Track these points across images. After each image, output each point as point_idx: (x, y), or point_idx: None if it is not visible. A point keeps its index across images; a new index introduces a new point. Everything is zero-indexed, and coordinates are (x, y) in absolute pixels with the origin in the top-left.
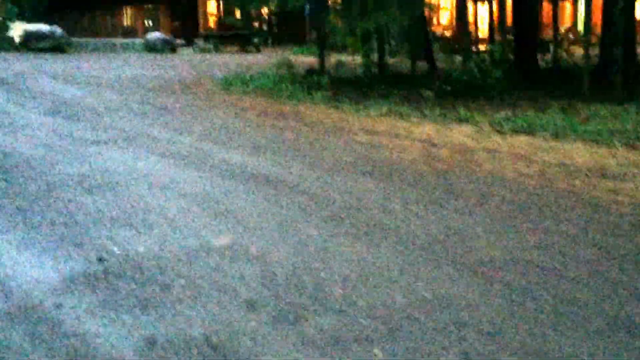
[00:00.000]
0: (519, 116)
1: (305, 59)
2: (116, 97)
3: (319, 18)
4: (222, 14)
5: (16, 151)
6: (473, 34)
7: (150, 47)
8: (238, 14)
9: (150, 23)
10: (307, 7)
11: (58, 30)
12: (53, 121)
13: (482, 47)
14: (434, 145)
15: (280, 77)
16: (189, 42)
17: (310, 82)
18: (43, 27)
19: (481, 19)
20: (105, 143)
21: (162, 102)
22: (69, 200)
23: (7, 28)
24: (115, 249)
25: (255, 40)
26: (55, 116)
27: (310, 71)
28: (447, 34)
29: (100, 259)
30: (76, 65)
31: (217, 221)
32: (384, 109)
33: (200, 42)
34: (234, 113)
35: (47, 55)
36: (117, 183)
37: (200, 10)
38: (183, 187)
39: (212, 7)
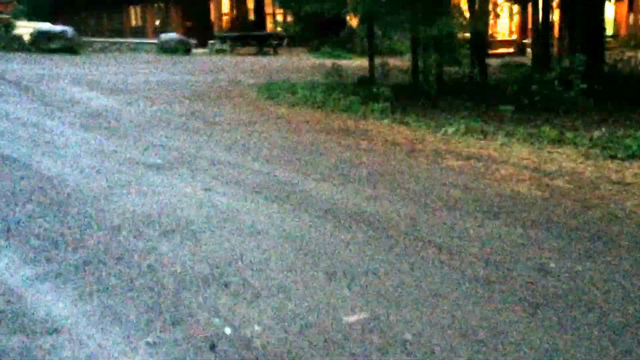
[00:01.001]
0: (619, 135)
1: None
2: (152, 107)
3: (370, 22)
4: (236, 13)
5: (62, 179)
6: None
7: (165, 48)
8: (252, 14)
9: (161, 23)
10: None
11: (69, 30)
12: (93, 138)
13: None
14: (543, 173)
15: (327, 85)
16: (202, 43)
17: (363, 92)
18: (54, 27)
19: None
20: (162, 168)
21: (206, 113)
22: (145, 251)
23: (13, 27)
24: (227, 329)
25: (274, 42)
26: (93, 131)
27: (361, 79)
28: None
29: (212, 347)
30: (94, 68)
31: (335, 284)
32: (461, 126)
33: (214, 43)
34: (293, 129)
35: (60, 57)
36: (193, 225)
37: (213, 10)
38: (274, 230)
39: (225, 6)
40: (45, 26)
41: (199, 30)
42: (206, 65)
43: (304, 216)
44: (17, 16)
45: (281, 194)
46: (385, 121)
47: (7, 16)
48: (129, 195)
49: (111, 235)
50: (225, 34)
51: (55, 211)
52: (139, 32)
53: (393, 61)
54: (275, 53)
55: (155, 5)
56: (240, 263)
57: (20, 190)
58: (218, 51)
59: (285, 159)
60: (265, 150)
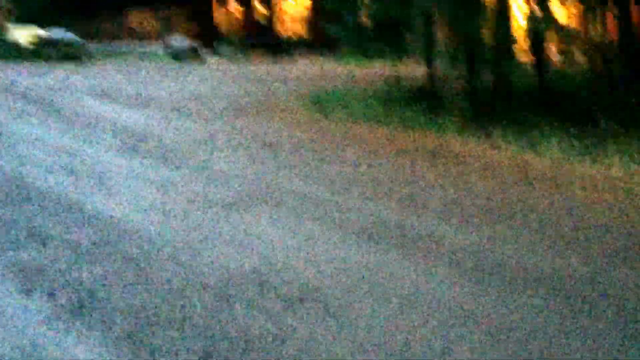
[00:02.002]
0: None
1: (358, 70)
2: (191, 124)
3: (427, 23)
4: (244, 17)
5: (127, 223)
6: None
7: (175, 55)
8: (262, 18)
9: (164, 26)
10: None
11: (72, 36)
12: (140, 165)
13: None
14: None
15: (380, 96)
16: (211, 48)
17: (430, 104)
18: (57, 33)
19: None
20: (240, 205)
21: (259, 132)
22: (278, 335)
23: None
24: None
25: (292, 47)
26: (136, 156)
27: (420, 89)
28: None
29: None
30: (107, 77)
31: None
32: (564, 145)
33: (223, 49)
34: (368, 151)
35: (66, 65)
36: (318, 291)
37: (222, 14)
38: (429, 298)
39: (235, 9)
40: (48, 33)
41: (204, 34)
42: (224, 72)
43: (453, 275)
44: (13, 21)
45: (404, 241)
46: (471, 140)
47: (5, 22)
48: (217, 246)
49: (220, 307)
50: (238, 39)
51: (135, 273)
52: (140, 36)
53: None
54: (294, 59)
55: (160, 8)
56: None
57: (80, 242)
58: (230, 57)
59: (380, 191)
60: (350, 180)
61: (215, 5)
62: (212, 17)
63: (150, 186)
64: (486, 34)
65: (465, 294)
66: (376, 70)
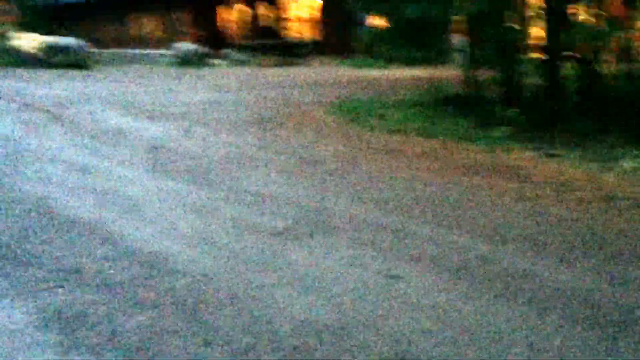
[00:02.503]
0: None
1: (377, 74)
2: (218, 136)
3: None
4: (249, 20)
5: (164, 255)
6: None
7: (183, 60)
8: (267, 20)
9: (169, 31)
10: (362, 14)
11: (79, 42)
12: (170, 186)
13: None
14: None
15: (413, 103)
16: (217, 53)
17: (473, 113)
18: (62, 40)
19: None
20: (292, 234)
21: (291, 145)
22: None
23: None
24: None
25: (302, 50)
26: (164, 175)
27: (456, 97)
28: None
29: None
30: (118, 86)
31: None
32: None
33: (231, 53)
34: (417, 168)
35: (73, 72)
36: (422, 351)
37: (227, 17)
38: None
39: (241, 12)
40: (53, 39)
41: (209, 38)
42: (238, 78)
43: (566, 324)
44: (16, 27)
45: (496, 280)
46: (530, 154)
47: (7, 28)
48: (280, 286)
49: None
50: (246, 43)
51: (189, 320)
52: (144, 41)
53: (448, 72)
54: (304, 63)
55: (165, 12)
56: None
57: (120, 281)
58: (241, 62)
59: (449, 216)
60: (410, 204)
61: (220, 8)
62: (216, 21)
63: (189, 211)
64: (533, 36)
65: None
66: (398, 75)
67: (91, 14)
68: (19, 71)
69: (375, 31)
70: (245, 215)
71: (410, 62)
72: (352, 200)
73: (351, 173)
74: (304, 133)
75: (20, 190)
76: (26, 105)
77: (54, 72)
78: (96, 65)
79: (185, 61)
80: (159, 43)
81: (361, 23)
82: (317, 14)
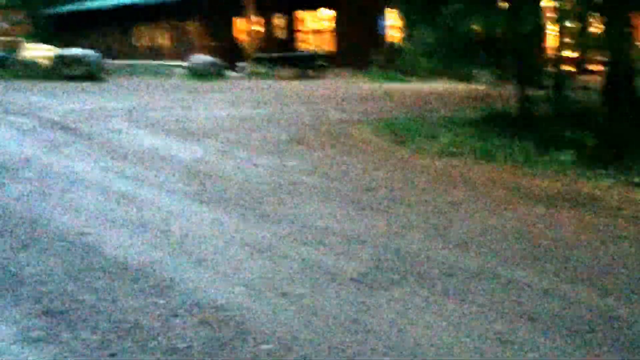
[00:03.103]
0: None
1: (402, 87)
2: (258, 158)
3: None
4: (263, 32)
5: (232, 310)
6: None
7: (197, 73)
8: (281, 32)
9: (181, 42)
10: (381, 22)
11: (92, 54)
12: (221, 219)
13: None
14: None
15: (465, 122)
16: (232, 65)
17: (525, 132)
18: (75, 51)
19: None
20: (375, 281)
21: (341, 170)
22: None
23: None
24: None
25: (318, 63)
26: (211, 205)
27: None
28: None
29: None
30: (137, 100)
31: None
32: None
33: (246, 65)
34: (488, 198)
35: (87, 85)
36: None
37: (240, 28)
38: None
39: (254, 23)
40: (65, 50)
41: (223, 50)
42: (259, 92)
43: None
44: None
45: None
46: (605, 181)
47: (19, 39)
48: (381, 357)
49: None
50: (262, 55)
51: None
52: (154, 53)
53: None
54: (321, 76)
55: (176, 23)
56: None
57: (189, 343)
58: (256, 75)
59: (547, 259)
60: (495, 241)
61: (233, 19)
62: (230, 32)
63: (250, 251)
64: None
65: None
66: (425, 89)
67: (100, 23)
68: (32, 84)
69: (419, 46)
70: (315, 256)
71: (431, 75)
72: (429, 238)
73: (417, 204)
74: (351, 155)
75: (56, 224)
76: (46, 121)
77: (68, 85)
78: (109, 77)
79: (200, 74)
80: (170, 55)
81: (381, 35)
82: (331, 26)
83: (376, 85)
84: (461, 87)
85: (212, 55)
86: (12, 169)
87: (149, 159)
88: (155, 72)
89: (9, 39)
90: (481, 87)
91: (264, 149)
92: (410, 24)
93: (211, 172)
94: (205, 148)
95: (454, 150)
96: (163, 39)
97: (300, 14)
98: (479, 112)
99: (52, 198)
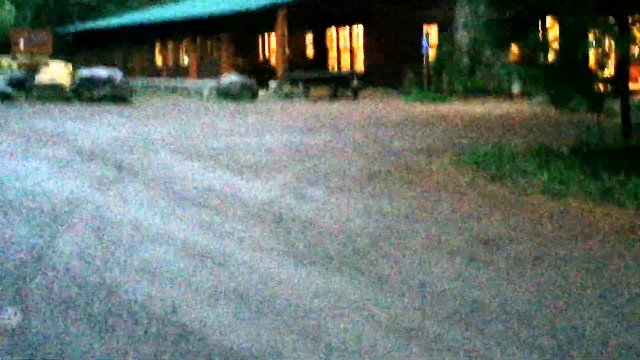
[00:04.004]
0: None
1: (453, 109)
2: (341, 200)
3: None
4: (292, 50)
5: None
6: None
7: (227, 93)
8: (310, 49)
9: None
10: (425, 41)
11: (118, 74)
12: (340, 287)
13: None
14: None
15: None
16: (262, 85)
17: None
18: (99, 71)
19: None
20: None
21: (444, 214)
22: None
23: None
24: None
25: (352, 83)
26: (321, 268)
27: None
28: None
29: None
30: (178, 125)
31: None
32: None
33: (275, 85)
34: (630, 254)
35: (114, 108)
36: None
37: (270, 45)
38: None
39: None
40: (89, 71)
41: (251, 69)
42: (299, 115)
43: None
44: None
45: None
46: None
47: (41, 58)
48: None
49: None
50: (293, 75)
51: None
52: (177, 72)
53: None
54: (356, 97)
55: (196, 40)
56: None
57: None
58: (286, 95)
59: None
60: None
61: (260, 36)
62: (257, 50)
63: (391, 336)
64: None
65: None
66: (480, 111)
67: (119, 41)
68: (56, 106)
69: (520, 69)
70: (475, 342)
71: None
72: (612, 319)
73: (561, 263)
74: (443, 195)
75: (136, 295)
76: (83, 152)
77: (94, 107)
78: (134, 98)
79: (230, 94)
80: (193, 73)
81: (423, 54)
82: (362, 44)
83: (423, 107)
84: (512, 109)
85: (238, 74)
86: (61, 215)
87: (215, 201)
88: (181, 92)
89: (30, 59)
90: (538, 110)
91: (340, 186)
92: (498, 43)
93: (293, 217)
94: (273, 186)
95: (560, 188)
96: (186, 57)
97: (330, 31)
98: (564, 140)
99: (121, 257)
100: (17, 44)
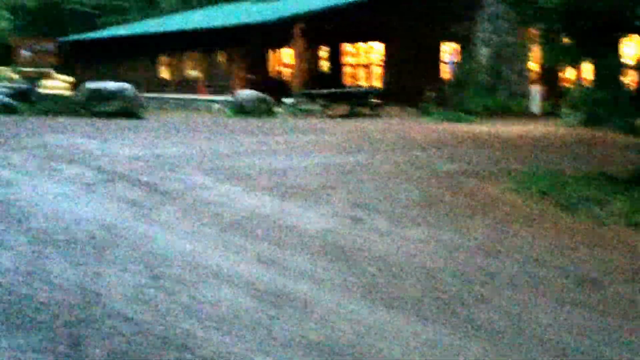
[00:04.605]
0: None
1: (482, 129)
2: (406, 231)
3: None
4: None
5: None
6: None
7: (242, 109)
8: (324, 64)
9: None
10: (452, 60)
11: (128, 87)
12: (444, 339)
13: None
14: None
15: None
16: (278, 101)
17: None
18: (108, 84)
19: None
20: None
21: (525, 248)
22: None
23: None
24: None
25: (370, 100)
26: (409, 313)
27: None
28: None
29: None
30: (201, 143)
31: None
32: None
33: (291, 101)
34: None
35: (127, 123)
36: None
37: (283, 60)
38: None
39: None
40: (98, 84)
41: (264, 84)
42: (331, 135)
43: None
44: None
45: None
46: None
47: (46, 69)
48: None
49: None
50: (311, 91)
51: None
52: (185, 86)
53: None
54: (377, 114)
55: (204, 53)
56: None
57: None
58: (303, 111)
59: None
60: None
61: (272, 51)
62: (269, 65)
63: None
64: None
65: None
66: (512, 131)
67: (121, 52)
68: (65, 121)
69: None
70: None
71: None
72: None
73: None
74: (516, 226)
75: (211, 350)
76: (106, 172)
77: (105, 123)
78: (145, 113)
79: (246, 110)
80: (201, 88)
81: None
82: (379, 60)
83: (448, 126)
84: (543, 129)
85: (250, 89)
86: (103, 247)
87: (268, 230)
88: (189, 107)
89: (34, 69)
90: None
91: (400, 214)
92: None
93: (361, 251)
94: (327, 213)
95: None
96: (193, 71)
97: (346, 46)
98: (616, 166)
99: (183, 299)
100: (20, 53)
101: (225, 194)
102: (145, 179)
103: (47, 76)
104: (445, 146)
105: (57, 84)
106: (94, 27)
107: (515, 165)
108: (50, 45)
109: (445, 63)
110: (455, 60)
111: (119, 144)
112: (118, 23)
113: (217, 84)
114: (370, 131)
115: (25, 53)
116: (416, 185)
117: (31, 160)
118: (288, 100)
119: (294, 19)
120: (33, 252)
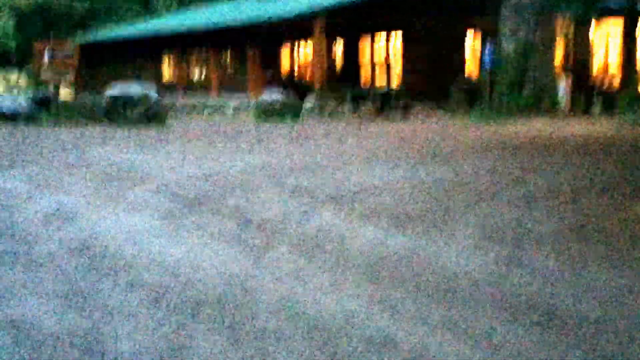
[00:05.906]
0: None
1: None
2: (582, 275)
3: None
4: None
5: None
6: None
7: (267, 112)
8: (343, 62)
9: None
10: (488, 55)
11: (151, 92)
12: None
13: None
14: None
15: None
16: (302, 102)
17: None
18: (132, 90)
19: None
20: None
21: None
22: None
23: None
24: None
25: (400, 102)
26: None
27: None
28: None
29: None
30: (254, 156)
31: None
32: None
33: (313, 102)
34: None
35: (154, 130)
36: None
37: (302, 59)
38: None
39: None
40: (120, 89)
41: (282, 84)
42: (375, 140)
43: None
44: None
45: None
46: None
47: (69, 74)
48: None
49: None
50: (334, 93)
51: None
52: (197, 87)
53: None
54: (406, 116)
55: (216, 52)
56: None
57: None
58: (332, 113)
59: None
60: None
61: (289, 49)
62: (286, 64)
63: None
64: None
65: None
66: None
67: (128, 54)
68: (95, 132)
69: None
70: None
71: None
72: None
73: None
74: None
75: None
76: (178, 195)
77: (135, 131)
78: (171, 119)
79: (271, 113)
80: (215, 89)
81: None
82: (398, 58)
83: (490, 127)
84: (599, 129)
85: (268, 89)
86: (224, 311)
87: (419, 277)
88: (212, 111)
89: (54, 74)
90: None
91: (559, 252)
92: None
93: (551, 308)
94: (465, 249)
95: None
96: (205, 71)
97: (365, 43)
98: None
99: None
100: (41, 57)
101: (329, 224)
102: (226, 202)
103: (67, 81)
104: (532, 153)
105: (65, 89)
106: (92, 30)
107: (631, 177)
108: (71, 49)
109: (472, 59)
110: (492, 55)
111: (164, 157)
112: (115, 25)
113: (230, 85)
114: (423, 136)
115: (46, 56)
116: (549, 209)
117: (85, 182)
118: (310, 101)
119: (316, 13)
120: (160, 321)
